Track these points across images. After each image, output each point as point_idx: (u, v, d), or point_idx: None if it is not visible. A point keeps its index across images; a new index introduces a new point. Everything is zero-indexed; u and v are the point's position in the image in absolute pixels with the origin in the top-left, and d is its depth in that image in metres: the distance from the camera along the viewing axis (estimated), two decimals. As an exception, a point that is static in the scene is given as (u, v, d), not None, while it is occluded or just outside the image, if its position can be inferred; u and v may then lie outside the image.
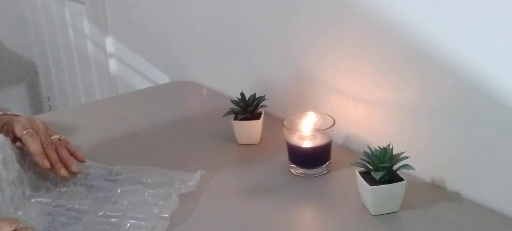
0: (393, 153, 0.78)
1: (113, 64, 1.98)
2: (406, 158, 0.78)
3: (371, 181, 0.77)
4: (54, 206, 0.81)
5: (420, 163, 0.81)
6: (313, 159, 0.90)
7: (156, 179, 0.87)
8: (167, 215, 0.78)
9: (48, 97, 2.97)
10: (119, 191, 0.84)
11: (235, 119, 1.03)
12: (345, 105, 0.99)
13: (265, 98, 1.05)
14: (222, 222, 0.79)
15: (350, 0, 0.91)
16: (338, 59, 0.98)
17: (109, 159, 0.99)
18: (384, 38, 0.87)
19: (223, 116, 1.04)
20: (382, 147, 0.78)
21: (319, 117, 0.94)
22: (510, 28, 0.70)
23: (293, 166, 0.91)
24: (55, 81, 2.77)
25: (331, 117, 0.92)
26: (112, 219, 0.78)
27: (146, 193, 0.83)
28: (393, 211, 0.78)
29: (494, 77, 0.73)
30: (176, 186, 0.86)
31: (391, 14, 0.85)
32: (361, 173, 0.79)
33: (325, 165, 0.91)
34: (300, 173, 0.91)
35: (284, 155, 0.93)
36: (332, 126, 0.90)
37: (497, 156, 0.76)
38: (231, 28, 1.27)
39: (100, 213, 0.79)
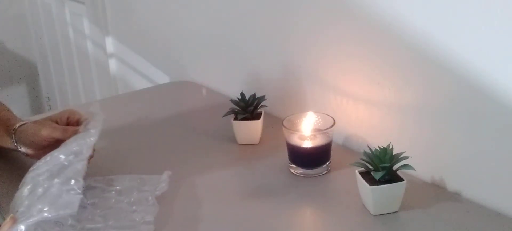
0: (393, 153, 0.78)
1: (113, 64, 1.98)
2: (406, 158, 0.78)
3: (371, 181, 0.77)
4: None
5: (420, 163, 0.81)
6: (313, 159, 0.90)
7: (126, 185, 0.86)
8: (151, 219, 0.77)
9: (48, 97, 2.97)
10: (89, 202, 0.81)
11: (235, 119, 1.03)
12: (345, 105, 0.99)
13: (265, 98, 1.05)
14: (222, 222, 0.79)
15: (350, 0, 0.91)
16: (338, 59, 0.98)
17: (109, 159, 0.99)
18: (384, 38, 0.87)
19: (223, 116, 1.04)
20: (382, 147, 0.78)
21: (319, 117, 0.94)
22: (510, 28, 0.70)
23: (293, 166, 0.91)
24: (55, 81, 2.77)
25: (331, 117, 0.92)
26: None
27: (120, 202, 0.81)
28: (393, 211, 0.78)
29: (494, 78, 0.73)
30: (147, 189, 0.84)
31: (391, 14, 0.85)
32: (361, 173, 0.79)
33: (325, 165, 0.91)
34: (300, 173, 0.91)
35: (284, 155, 0.93)
36: (332, 126, 0.90)
37: (497, 156, 0.76)
38: (231, 28, 1.27)
39: (79, 227, 0.76)
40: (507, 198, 0.76)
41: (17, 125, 0.93)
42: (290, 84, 1.12)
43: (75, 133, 0.86)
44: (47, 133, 0.88)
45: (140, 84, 1.80)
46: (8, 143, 0.95)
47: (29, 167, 0.97)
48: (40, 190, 0.73)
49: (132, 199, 0.83)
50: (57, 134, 0.88)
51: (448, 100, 0.81)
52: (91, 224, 0.77)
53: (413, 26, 0.82)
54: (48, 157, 0.79)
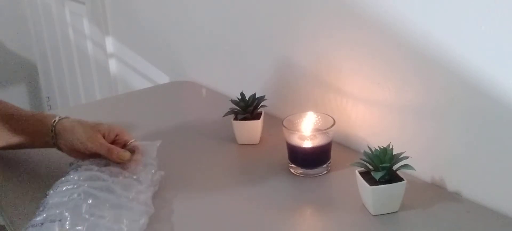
0: (393, 153, 0.78)
1: (113, 64, 1.98)
2: (406, 158, 0.78)
3: (371, 181, 0.77)
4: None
5: (420, 163, 0.81)
6: (313, 159, 0.90)
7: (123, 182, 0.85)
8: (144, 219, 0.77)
9: (48, 97, 2.97)
10: (89, 202, 0.77)
11: (235, 119, 1.03)
12: (345, 105, 0.99)
13: (265, 98, 1.05)
14: (222, 222, 0.79)
15: (350, 1, 0.91)
16: (338, 59, 0.98)
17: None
18: (384, 39, 0.87)
19: (223, 116, 1.04)
20: (382, 147, 0.78)
21: (319, 117, 0.94)
22: (510, 28, 0.70)
23: (293, 166, 0.91)
24: (55, 81, 2.77)
25: (331, 117, 0.92)
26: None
27: (117, 200, 0.79)
28: (393, 211, 0.78)
29: (494, 77, 0.73)
30: (143, 187, 0.83)
31: (391, 14, 0.85)
32: (361, 173, 0.79)
33: (325, 165, 0.91)
34: (300, 173, 0.91)
35: (284, 155, 0.93)
36: (332, 126, 0.90)
37: (497, 156, 0.76)
38: (231, 28, 1.27)
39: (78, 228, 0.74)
40: (507, 198, 0.76)
41: (57, 118, 0.92)
42: (290, 84, 1.12)
43: (119, 158, 0.86)
44: (94, 148, 0.87)
45: (140, 84, 1.81)
46: (39, 137, 0.93)
47: (26, 167, 0.97)
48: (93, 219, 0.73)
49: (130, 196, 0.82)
50: (102, 152, 0.86)
51: (448, 100, 0.81)
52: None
53: (413, 26, 0.82)
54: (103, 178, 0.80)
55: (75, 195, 0.76)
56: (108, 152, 0.86)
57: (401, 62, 0.87)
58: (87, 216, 0.73)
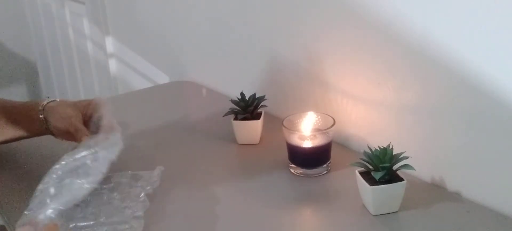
0: (393, 153, 0.78)
1: (113, 64, 1.98)
2: (406, 158, 0.78)
3: (371, 181, 0.77)
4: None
5: (420, 163, 0.81)
6: (313, 159, 0.90)
7: (118, 181, 0.86)
8: (141, 214, 0.77)
9: (48, 98, 2.97)
10: (81, 201, 0.78)
11: (235, 119, 1.03)
12: (345, 105, 0.99)
13: (265, 98, 1.05)
14: (222, 222, 0.79)
15: (350, 1, 0.91)
16: (338, 59, 0.98)
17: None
18: (384, 39, 0.87)
19: (223, 116, 1.04)
20: (382, 147, 0.78)
21: (319, 117, 0.94)
22: (510, 27, 0.70)
23: (293, 166, 0.91)
24: (55, 81, 2.77)
25: (331, 117, 0.92)
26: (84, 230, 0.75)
27: (112, 198, 0.81)
28: (393, 211, 0.78)
29: (494, 77, 0.73)
30: (139, 185, 0.85)
31: (391, 14, 0.85)
32: (361, 173, 0.79)
33: (325, 165, 0.91)
34: (300, 173, 0.91)
35: (284, 155, 0.93)
36: (332, 126, 0.90)
37: (497, 156, 0.76)
38: (231, 28, 1.27)
39: (72, 225, 0.75)
40: (507, 197, 0.76)
41: (45, 102, 0.94)
42: (290, 84, 1.12)
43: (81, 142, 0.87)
44: (66, 126, 0.90)
45: (140, 84, 1.81)
46: (31, 124, 0.94)
47: (27, 166, 0.98)
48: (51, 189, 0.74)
49: (124, 195, 0.82)
50: (71, 130, 0.89)
51: (448, 100, 0.81)
52: (83, 222, 0.77)
53: (413, 26, 0.82)
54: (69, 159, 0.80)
55: (50, 184, 0.76)
56: (75, 132, 0.89)
57: (401, 62, 0.87)
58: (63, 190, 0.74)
